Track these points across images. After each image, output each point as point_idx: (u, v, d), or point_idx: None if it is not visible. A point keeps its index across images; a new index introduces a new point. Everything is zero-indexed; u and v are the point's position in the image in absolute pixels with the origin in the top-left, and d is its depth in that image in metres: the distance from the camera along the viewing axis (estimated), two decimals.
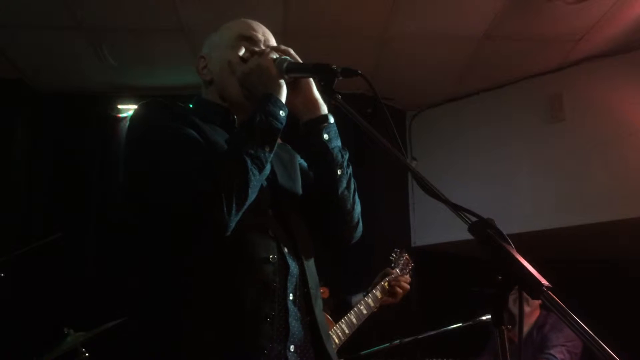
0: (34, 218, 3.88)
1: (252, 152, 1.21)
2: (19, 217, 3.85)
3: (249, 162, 1.19)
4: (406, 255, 2.74)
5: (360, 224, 1.47)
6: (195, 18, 3.39)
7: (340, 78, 1.23)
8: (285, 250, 1.30)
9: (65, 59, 3.83)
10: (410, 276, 2.66)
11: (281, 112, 1.29)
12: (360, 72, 1.21)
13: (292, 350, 1.24)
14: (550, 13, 3.38)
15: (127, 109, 4.18)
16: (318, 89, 1.39)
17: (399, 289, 2.51)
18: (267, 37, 1.51)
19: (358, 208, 1.45)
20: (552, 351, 3.17)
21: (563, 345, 3.18)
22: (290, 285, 1.28)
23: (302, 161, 1.57)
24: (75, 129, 4.11)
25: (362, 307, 2.37)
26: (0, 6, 3.25)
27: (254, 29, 1.49)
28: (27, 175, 3.97)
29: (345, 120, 1.22)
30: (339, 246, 1.50)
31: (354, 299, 2.45)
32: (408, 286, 2.56)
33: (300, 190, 1.47)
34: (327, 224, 1.45)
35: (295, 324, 1.26)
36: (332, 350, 1.36)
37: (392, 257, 2.71)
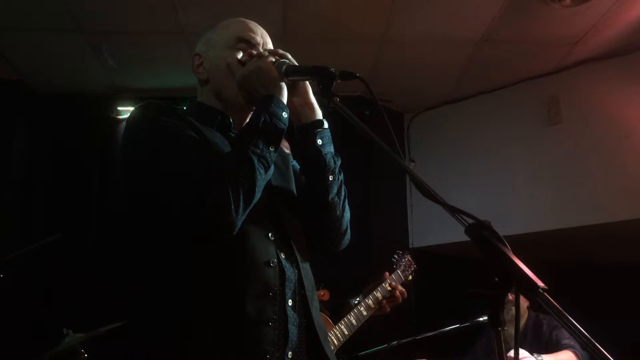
0: (34, 218, 3.88)
1: (259, 151, 1.21)
2: (19, 217, 3.85)
3: (255, 161, 1.19)
4: (408, 257, 2.73)
5: (349, 231, 1.46)
6: (195, 20, 3.40)
7: (339, 81, 1.23)
8: (282, 255, 1.29)
9: (65, 60, 3.84)
10: (412, 277, 2.66)
11: (284, 113, 1.29)
12: (358, 75, 1.22)
13: (290, 356, 1.23)
14: (547, 16, 3.39)
15: (127, 111, 4.19)
16: (316, 91, 1.37)
17: (397, 294, 2.50)
18: (265, 39, 1.49)
19: (347, 215, 1.44)
20: (567, 341, 3.14)
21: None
22: (289, 291, 1.27)
23: (295, 162, 1.56)
24: (75, 130, 4.10)
25: (362, 309, 2.37)
26: (0, 8, 3.26)
27: (252, 31, 1.47)
28: (27, 175, 3.96)
29: (343, 122, 1.22)
30: (326, 252, 1.48)
31: (353, 301, 2.45)
32: (403, 295, 2.53)
33: (294, 191, 1.46)
34: (315, 229, 1.44)
35: (293, 330, 1.25)
36: (331, 352, 1.35)
37: (394, 258, 2.70)
